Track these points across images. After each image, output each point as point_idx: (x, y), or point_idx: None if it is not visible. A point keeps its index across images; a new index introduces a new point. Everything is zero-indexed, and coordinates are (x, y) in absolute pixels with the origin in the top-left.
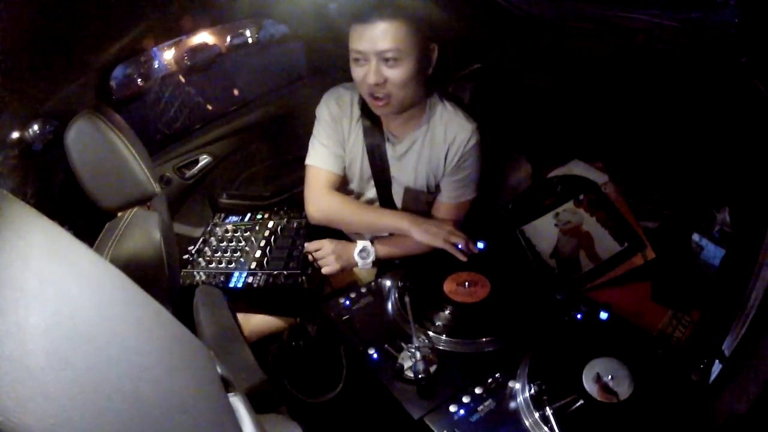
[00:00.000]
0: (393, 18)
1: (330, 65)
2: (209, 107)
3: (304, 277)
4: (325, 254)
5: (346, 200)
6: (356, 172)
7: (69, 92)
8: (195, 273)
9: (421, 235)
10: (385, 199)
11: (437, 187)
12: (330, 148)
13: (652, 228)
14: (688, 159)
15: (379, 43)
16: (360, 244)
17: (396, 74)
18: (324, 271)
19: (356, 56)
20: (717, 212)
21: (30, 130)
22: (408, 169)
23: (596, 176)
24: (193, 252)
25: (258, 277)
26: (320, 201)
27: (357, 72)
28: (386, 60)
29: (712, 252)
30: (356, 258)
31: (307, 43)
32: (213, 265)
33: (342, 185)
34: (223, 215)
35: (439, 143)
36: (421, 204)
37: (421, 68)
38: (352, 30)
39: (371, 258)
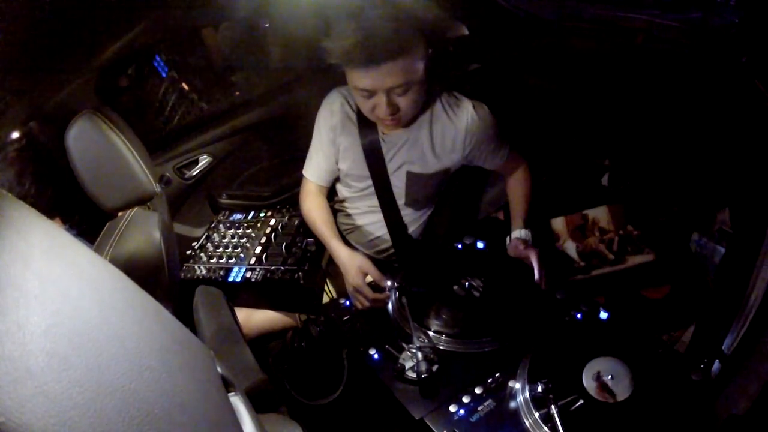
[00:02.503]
0: (398, 56)
1: (330, 65)
2: (207, 107)
3: (300, 273)
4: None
5: (317, 211)
6: (354, 170)
7: (69, 92)
8: (196, 267)
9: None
10: (383, 195)
11: (446, 171)
12: (318, 162)
13: (651, 229)
14: (688, 159)
15: (387, 81)
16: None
17: (408, 101)
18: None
19: (362, 93)
20: (717, 212)
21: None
22: (410, 155)
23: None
24: (195, 247)
25: (256, 272)
26: (303, 205)
27: (364, 104)
28: (395, 91)
29: (712, 252)
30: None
31: (307, 43)
32: (214, 260)
33: (345, 182)
34: (227, 212)
35: (447, 128)
36: (427, 187)
37: (426, 81)
38: (352, 70)
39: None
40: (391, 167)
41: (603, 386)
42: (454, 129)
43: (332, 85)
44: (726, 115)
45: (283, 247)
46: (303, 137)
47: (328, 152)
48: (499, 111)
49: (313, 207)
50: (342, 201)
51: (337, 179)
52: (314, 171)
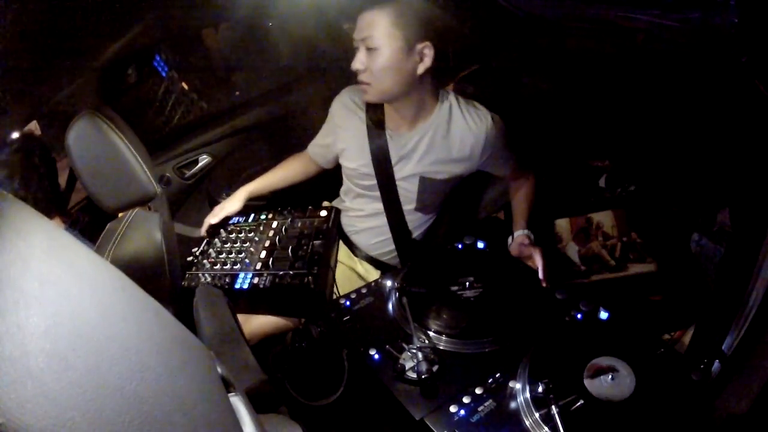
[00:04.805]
0: (375, 9)
1: (330, 65)
2: (207, 106)
3: (310, 277)
4: None
5: (283, 164)
6: (360, 168)
7: (69, 92)
8: (200, 275)
9: None
10: (387, 196)
11: (459, 177)
12: (317, 139)
13: (653, 234)
14: (688, 159)
15: (362, 30)
16: None
17: (373, 62)
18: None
19: (354, 45)
20: (717, 212)
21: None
22: (426, 161)
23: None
24: (197, 254)
25: (264, 278)
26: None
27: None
28: (368, 49)
29: (712, 252)
30: None
31: (307, 43)
32: (218, 266)
33: (351, 180)
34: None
35: (467, 136)
36: (439, 193)
37: (403, 62)
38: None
39: None
40: (404, 172)
41: (605, 387)
42: (474, 137)
43: (332, 85)
44: (726, 115)
45: (290, 250)
46: (303, 137)
47: (326, 133)
48: (498, 111)
49: (287, 161)
50: (347, 202)
51: (343, 180)
52: (311, 145)
